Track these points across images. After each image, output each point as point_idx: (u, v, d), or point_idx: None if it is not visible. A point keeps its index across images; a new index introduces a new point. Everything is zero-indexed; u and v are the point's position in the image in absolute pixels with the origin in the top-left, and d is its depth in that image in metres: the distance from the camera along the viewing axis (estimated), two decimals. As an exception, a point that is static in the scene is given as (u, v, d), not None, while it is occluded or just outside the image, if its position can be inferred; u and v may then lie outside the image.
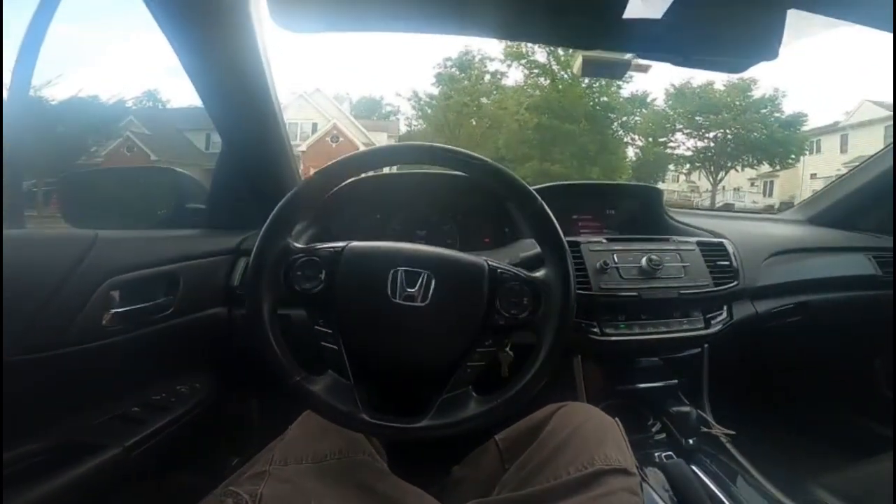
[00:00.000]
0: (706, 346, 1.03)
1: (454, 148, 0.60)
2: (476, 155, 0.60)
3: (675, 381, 1.03)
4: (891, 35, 0.49)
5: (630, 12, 0.41)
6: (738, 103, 16.87)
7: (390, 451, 0.65)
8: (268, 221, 0.58)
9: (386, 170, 1.24)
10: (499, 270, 0.59)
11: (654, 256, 0.91)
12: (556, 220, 0.60)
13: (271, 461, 0.53)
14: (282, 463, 0.53)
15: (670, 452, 0.90)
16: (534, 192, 0.60)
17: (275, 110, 0.92)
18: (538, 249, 0.64)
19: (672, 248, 0.98)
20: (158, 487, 0.89)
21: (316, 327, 0.59)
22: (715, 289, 0.96)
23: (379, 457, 0.60)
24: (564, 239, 0.59)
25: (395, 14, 0.42)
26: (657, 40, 0.44)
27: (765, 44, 0.44)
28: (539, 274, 0.59)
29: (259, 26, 0.79)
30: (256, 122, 0.92)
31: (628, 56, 0.60)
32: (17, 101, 0.97)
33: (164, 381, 0.84)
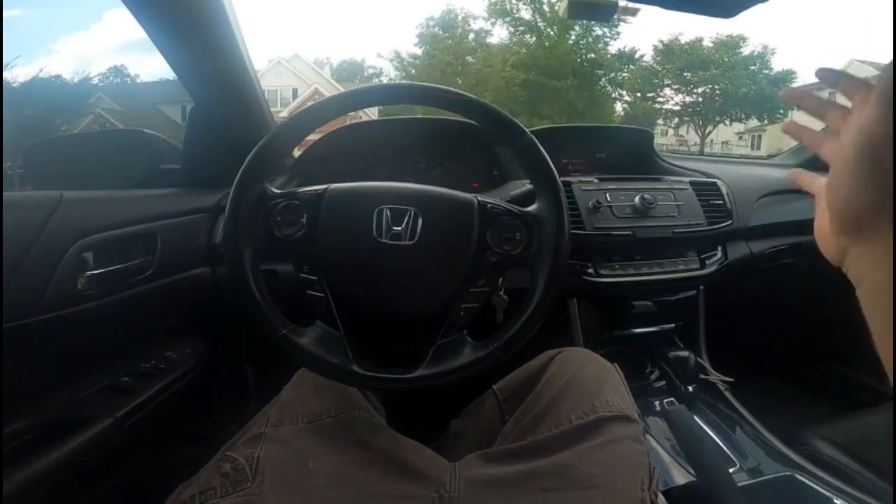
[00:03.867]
0: (701, 288, 1.03)
1: (436, 86, 0.56)
2: (460, 91, 0.56)
3: (672, 325, 1.03)
4: None
5: None
6: (726, 60, 16.79)
7: (388, 407, 0.64)
8: (242, 168, 0.54)
9: (367, 118, 1.18)
10: (489, 206, 0.56)
11: (647, 195, 0.90)
12: None
13: (266, 423, 0.51)
14: (277, 424, 0.51)
15: (671, 399, 0.91)
16: (522, 126, 0.57)
17: (245, 63, 0.86)
18: (529, 187, 0.61)
19: (665, 187, 0.97)
20: (155, 458, 0.88)
21: (301, 275, 0.56)
22: (709, 227, 0.96)
23: (376, 412, 0.59)
24: (555, 171, 0.56)
25: None
26: None
27: None
28: (531, 208, 0.56)
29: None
30: (227, 76, 0.85)
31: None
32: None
33: (152, 348, 0.82)
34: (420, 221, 0.54)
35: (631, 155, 1.16)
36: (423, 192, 0.58)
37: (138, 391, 0.75)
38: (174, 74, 0.81)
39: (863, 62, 14.43)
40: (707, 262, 0.98)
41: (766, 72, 16.43)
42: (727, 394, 0.94)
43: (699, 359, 0.98)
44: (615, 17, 0.64)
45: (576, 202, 0.90)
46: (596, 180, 0.95)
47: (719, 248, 1.01)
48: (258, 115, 0.95)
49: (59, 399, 0.67)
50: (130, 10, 0.70)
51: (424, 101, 0.57)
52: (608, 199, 0.91)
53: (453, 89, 0.56)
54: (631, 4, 0.54)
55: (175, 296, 0.80)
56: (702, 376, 0.95)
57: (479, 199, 0.57)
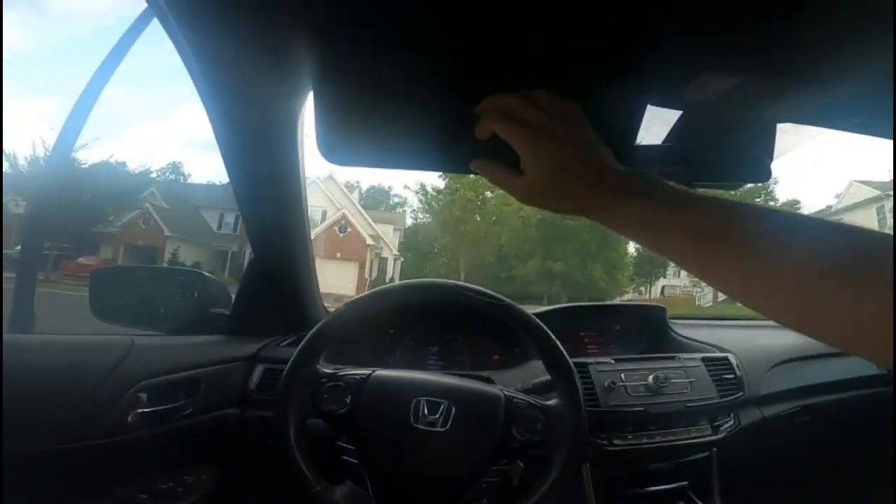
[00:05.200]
0: (714, 449, 1.02)
1: (476, 287, 0.69)
2: (496, 295, 0.69)
3: (685, 482, 1.02)
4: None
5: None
6: (732, 194, 17.55)
7: None
8: (297, 350, 0.66)
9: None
10: (514, 400, 0.65)
11: (660, 374, 0.95)
12: (565, 338, 0.67)
13: None
14: None
15: None
16: (547, 331, 0.67)
17: (304, 226, 0.99)
18: (549, 376, 0.69)
19: (678, 365, 1.02)
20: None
21: (338, 443, 0.63)
22: (720, 400, 0.99)
23: None
24: (575, 370, 0.65)
25: (420, 158, 0.50)
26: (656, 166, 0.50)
27: (758, 167, 0.52)
28: (551, 402, 0.65)
29: (302, 148, 0.83)
30: (287, 236, 0.99)
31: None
32: (57, 164, 1.03)
33: (172, 471, 0.85)
34: (453, 412, 0.63)
35: (645, 328, 1.24)
36: (456, 386, 0.67)
37: None
38: (219, 180, 0.91)
39: (863, 182, 14.86)
40: (719, 428, 1.00)
41: (772, 203, 17.03)
42: None
43: None
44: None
45: (592, 382, 0.94)
46: (612, 360, 1.01)
47: (731, 415, 1.03)
48: (307, 276, 1.08)
49: None
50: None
51: (465, 300, 0.69)
52: (623, 378, 0.96)
53: (489, 292, 0.69)
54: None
55: (204, 432, 0.85)
56: None
57: (505, 393, 0.66)
